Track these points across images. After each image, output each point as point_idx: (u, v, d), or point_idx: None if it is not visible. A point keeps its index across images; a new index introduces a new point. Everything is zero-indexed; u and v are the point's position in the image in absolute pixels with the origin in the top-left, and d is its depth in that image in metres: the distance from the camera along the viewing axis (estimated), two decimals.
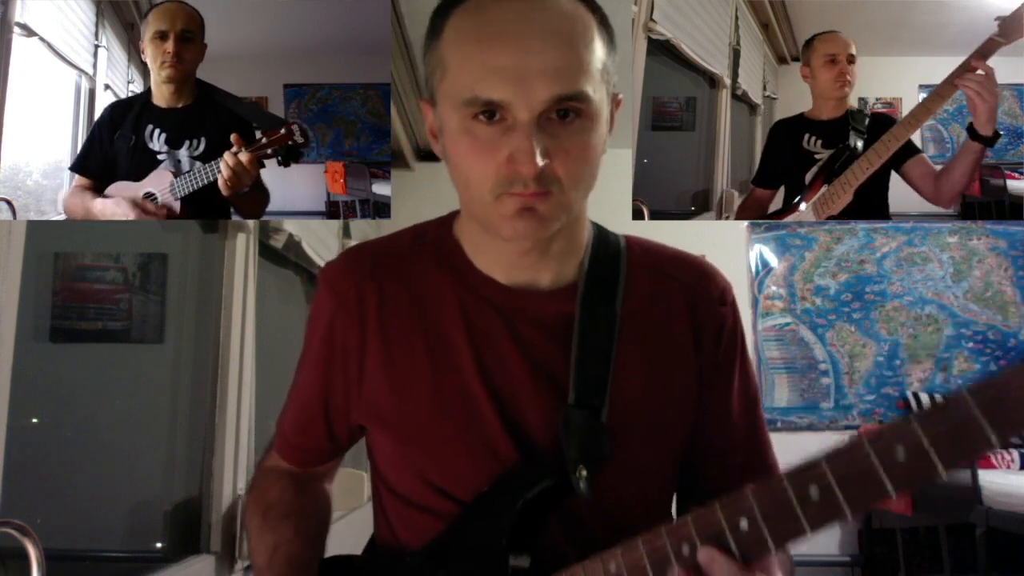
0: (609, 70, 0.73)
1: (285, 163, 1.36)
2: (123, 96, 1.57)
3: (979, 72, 1.50)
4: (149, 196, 1.43)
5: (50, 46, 1.46)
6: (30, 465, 1.30)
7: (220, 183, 1.33)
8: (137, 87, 1.59)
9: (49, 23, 1.45)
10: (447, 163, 0.75)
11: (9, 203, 1.39)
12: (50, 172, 1.49)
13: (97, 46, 1.57)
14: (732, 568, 0.57)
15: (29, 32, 1.40)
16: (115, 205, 1.41)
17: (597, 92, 0.70)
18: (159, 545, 1.71)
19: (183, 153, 1.43)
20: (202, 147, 1.43)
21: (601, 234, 0.85)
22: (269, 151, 1.34)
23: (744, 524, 0.56)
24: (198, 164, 1.41)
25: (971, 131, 1.54)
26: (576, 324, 0.77)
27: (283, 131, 1.33)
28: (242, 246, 1.88)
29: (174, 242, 1.83)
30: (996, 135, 1.52)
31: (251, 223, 1.90)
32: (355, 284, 0.82)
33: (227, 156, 1.32)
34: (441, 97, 0.73)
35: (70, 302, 1.54)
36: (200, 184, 1.37)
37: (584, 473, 0.71)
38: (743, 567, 0.57)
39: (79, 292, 1.56)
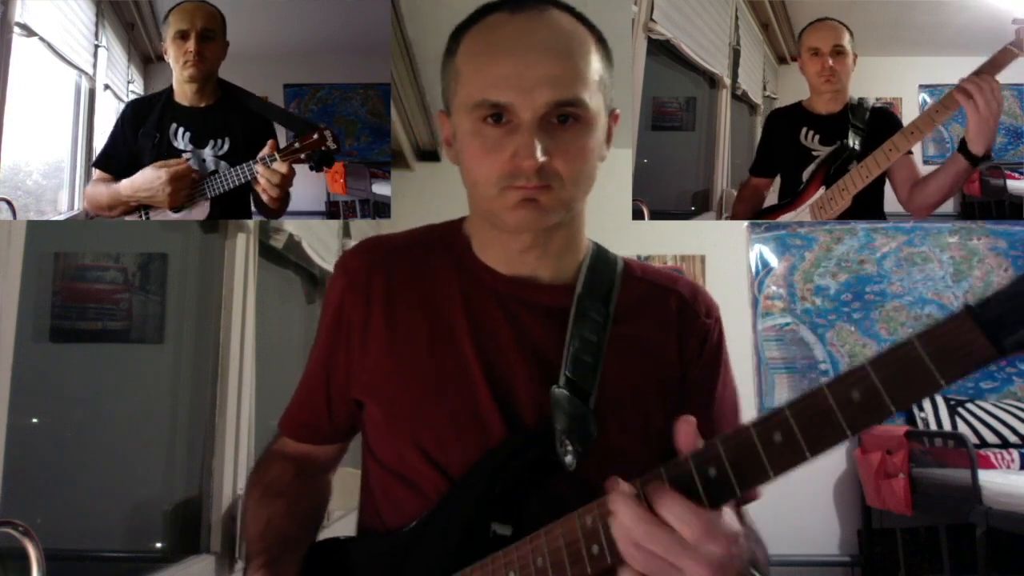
0: (606, 83, 0.81)
1: (317, 168, 1.41)
2: (123, 96, 1.57)
3: (983, 85, 1.40)
4: None
5: (50, 46, 1.46)
6: (30, 465, 1.30)
7: (265, 197, 1.37)
8: (137, 87, 1.59)
9: (49, 23, 1.45)
10: (460, 166, 0.83)
11: (9, 203, 1.39)
12: (50, 172, 1.49)
13: (97, 46, 1.57)
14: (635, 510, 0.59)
15: (29, 32, 1.40)
16: (141, 175, 1.42)
17: (593, 99, 0.78)
18: (159, 545, 1.71)
19: (208, 152, 1.45)
20: (226, 147, 1.46)
21: (600, 249, 0.92)
22: (302, 156, 1.37)
23: (712, 472, 0.59)
24: (224, 164, 1.44)
25: (961, 144, 1.46)
26: (572, 315, 0.83)
27: (316, 136, 1.37)
28: (242, 246, 1.88)
29: (174, 242, 1.83)
30: (987, 157, 1.43)
31: (251, 223, 1.90)
32: (365, 265, 0.89)
33: (262, 169, 1.35)
34: (455, 105, 0.82)
35: (70, 302, 1.54)
36: (233, 185, 1.41)
37: (570, 447, 0.75)
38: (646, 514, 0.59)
39: (79, 292, 1.56)
